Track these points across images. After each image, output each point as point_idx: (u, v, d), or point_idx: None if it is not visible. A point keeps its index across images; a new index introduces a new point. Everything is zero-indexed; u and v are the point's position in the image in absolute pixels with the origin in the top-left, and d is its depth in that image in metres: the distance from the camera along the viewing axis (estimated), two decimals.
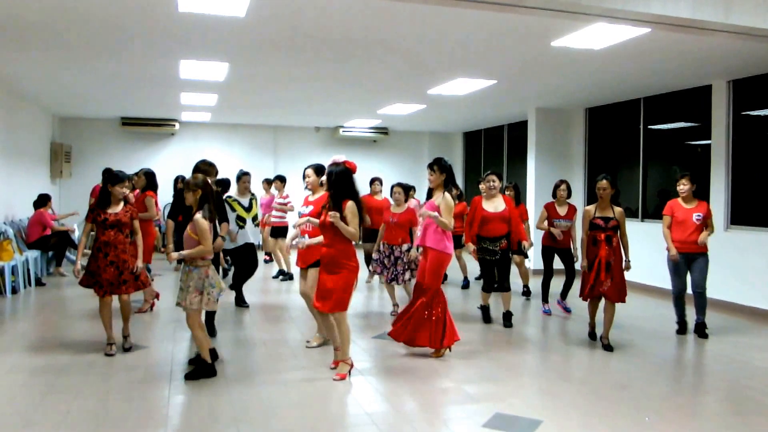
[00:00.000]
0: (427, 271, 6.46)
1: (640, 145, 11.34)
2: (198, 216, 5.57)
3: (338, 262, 5.60)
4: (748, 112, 9.45)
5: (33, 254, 10.57)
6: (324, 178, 5.89)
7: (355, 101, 12.51)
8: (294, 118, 15.65)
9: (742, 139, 9.44)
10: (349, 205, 5.56)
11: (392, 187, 8.72)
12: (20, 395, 5.24)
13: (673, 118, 11.07)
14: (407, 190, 8.79)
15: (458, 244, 10.11)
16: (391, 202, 8.70)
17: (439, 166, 6.55)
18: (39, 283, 10.56)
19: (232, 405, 5.07)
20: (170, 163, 15.40)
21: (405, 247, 8.32)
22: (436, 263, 6.43)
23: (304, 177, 6.96)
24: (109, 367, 6.01)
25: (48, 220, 11.12)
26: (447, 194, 6.42)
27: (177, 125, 15.92)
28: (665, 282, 10.23)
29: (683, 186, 7.63)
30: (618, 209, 6.97)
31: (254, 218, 8.60)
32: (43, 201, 11.17)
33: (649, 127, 11.26)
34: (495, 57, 8.28)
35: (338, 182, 5.62)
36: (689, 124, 10.86)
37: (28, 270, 10.27)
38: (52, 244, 11.17)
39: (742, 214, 9.38)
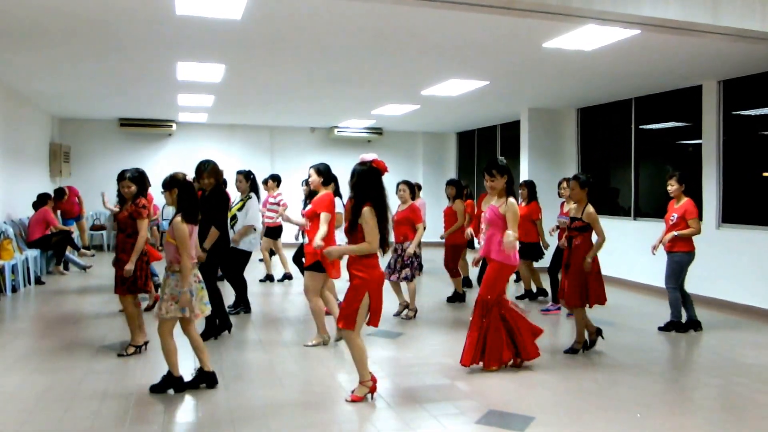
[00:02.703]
0: (485, 280, 5.97)
1: (631, 144, 11.45)
2: (177, 219, 5.14)
3: (350, 270, 5.10)
4: (738, 112, 9.56)
5: (33, 253, 10.64)
6: (349, 179, 5.47)
7: (350, 102, 12.60)
8: (290, 119, 15.73)
9: (733, 138, 9.55)
10: (365, 212, 4.95)
11: (397, 185, 8.56)
12: (19, 393, 5.26)
13: (664, 118, 11.19)
14: (412, 187, 8.60)
15: (472, 244, 10.15)
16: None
17: (498, 168, 5.90)
18: (38, 281, 10.64)
19: (229, 404, 5.09)
20: (168, 163, 15.43)
21: (407, 244, 8.23)
22: (496, 273, 5.91)
23: (308, 177, 6.98)
24: (108, 365, 6.04)
25: (52, 218, 11.20)
26: (512, 200, 5.86)
27: (174, 126, 16.01)
28: (657, 280, 10.37)
29: (669, 187, 7.82)
30: (587, 210, 6.66)
31: (230, 219, 8.17)
32: (43, 200, 11.24)
33: (641, 126, 11.36)
34: (487, 58, 8.37)
35: (360, 184, 5.07)
36: (680, 124, 10.97)
37: (28, 269, 10.33)
38: (53, 243, 11.25)
39: (733, 213, 9.48)
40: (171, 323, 5.22)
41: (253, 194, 8.41)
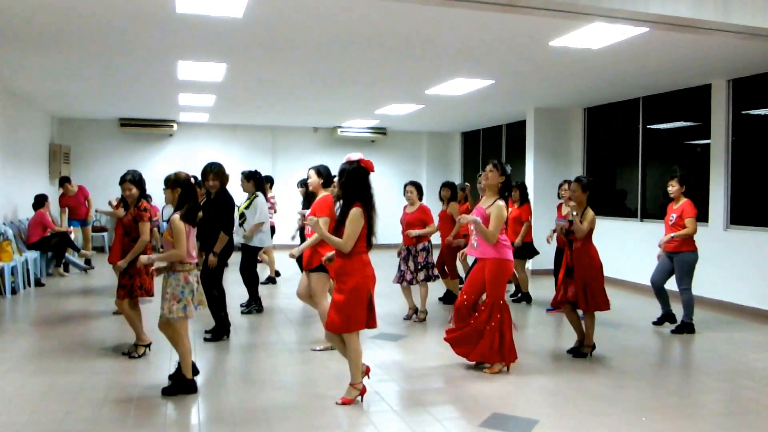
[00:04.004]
0: (488, 282, 5.92)
1: (639, 144, 11.33)
2: (175, 216, 5.21)
3: (341, 273, 5.04)
4: (748, 112, 9.43)
5: (32, 255, 10.56)
6: (336, 178, 5.45)
7: (353, 101, 12.51)
8: (292, 119, 15.65)
9: (742, 138, 9.42)
10: (352, 212, 4.95)
11: (405, 186, 8.43)
12: (19, 396, 5.23)
13: (672, 118, 11.06)
14: (420, 188, 8.40)
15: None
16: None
17: (502, 167, 6.05)
18: (38, 283, 10.56)
19: (231, 407, 5.05)
20: (169, 164, 15.36)
21: (420, 246, 8.10)
22: (496, 272, 5.89)
23: (308, 178, 6.94)
24: (109, 366, 6.00)
25: (48, 221, 11.11)
26: (500, 202, 5.95)
27: (175, 126, 15.92)
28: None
29: (670, 188, 7.86)
30: (588, 213, 6.58)
31: (239, 217, 8.53)
32: (40, 202, 11.15)
33: (648, 126, 11.24)
34: (493, 57, 8.27)
35: (349, 183, 5.06)
36: (689, 124, 10.85)
37: (28, 271, 10.26)
38: (52, 244, 11.17)
39: (742, 214, 9.36)
40: (185, 323, 5.28)
41: (259, 193, 8.66)
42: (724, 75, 9.28)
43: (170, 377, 5.47)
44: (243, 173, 8.80)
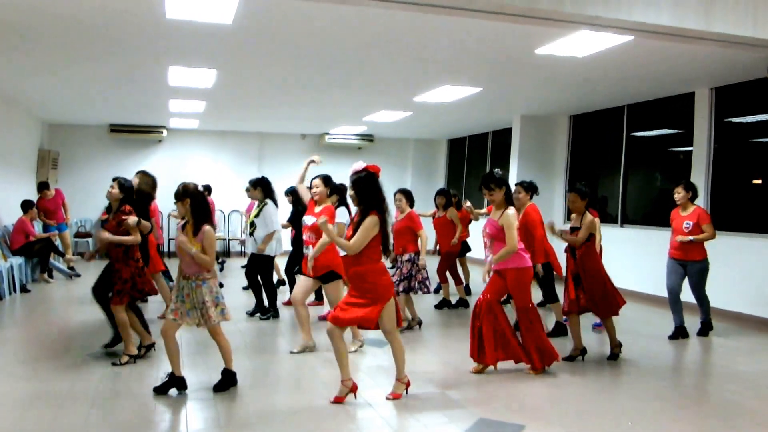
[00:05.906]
0: (512, 292, 6.04)
1: (622, 152, 11.43)
2: (208, 227, 5.28)
3: (361, 282, 5.10)
4: (730, 119, 9.56)
5: (18, 261, 10.50)
6: (350, 191, 5.23)
7: (342, 108, 12.55)
8: (281, 125, 15.68)
9: (724, 146, 9.54)
10: (368, 219, 5.03)
11: (394, 194, 8.15)
12: (5, 402, 5.18)
13: (656, 126, 11.18)
14: (409, 195, 8.19)
15: (463, 252, 10.18)
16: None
17: (495, 182, 5.94)
18: (24, 289, 10.48)
19: (217, 415, 5.04)
20: (157, 170, 15.22)
21: (406, 257, 7.81)
22: (518, 280, 5.97)
23: (310, 187, 6.92)
24: (98, 372, 5.96)
25: (29, 228, 11.06)
26: (509, 210, 5.91)
27: (164, 132, 15.88)
28: (644, 286, 10.34)
29: (677, 194, 7.75)
30: (586, 219, 6.56)
31: (249, 226, 8.65)
32: (24, 208, 11.11)
33: (632, 134, 11.36)
34: (480, 65, 8.35)
35: (366, 192, 5.13)
36: (672, 132, 10.97)
37: (13, 276, 10.20)
38: (35, 251, 11.12)
39: (723, 220, 9.45)
40: (174, 325, 5.32)
41: (268, 200, 8.54)
42: (707, 83, 9.40)
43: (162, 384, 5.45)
44: (250, 182, 8.73)
